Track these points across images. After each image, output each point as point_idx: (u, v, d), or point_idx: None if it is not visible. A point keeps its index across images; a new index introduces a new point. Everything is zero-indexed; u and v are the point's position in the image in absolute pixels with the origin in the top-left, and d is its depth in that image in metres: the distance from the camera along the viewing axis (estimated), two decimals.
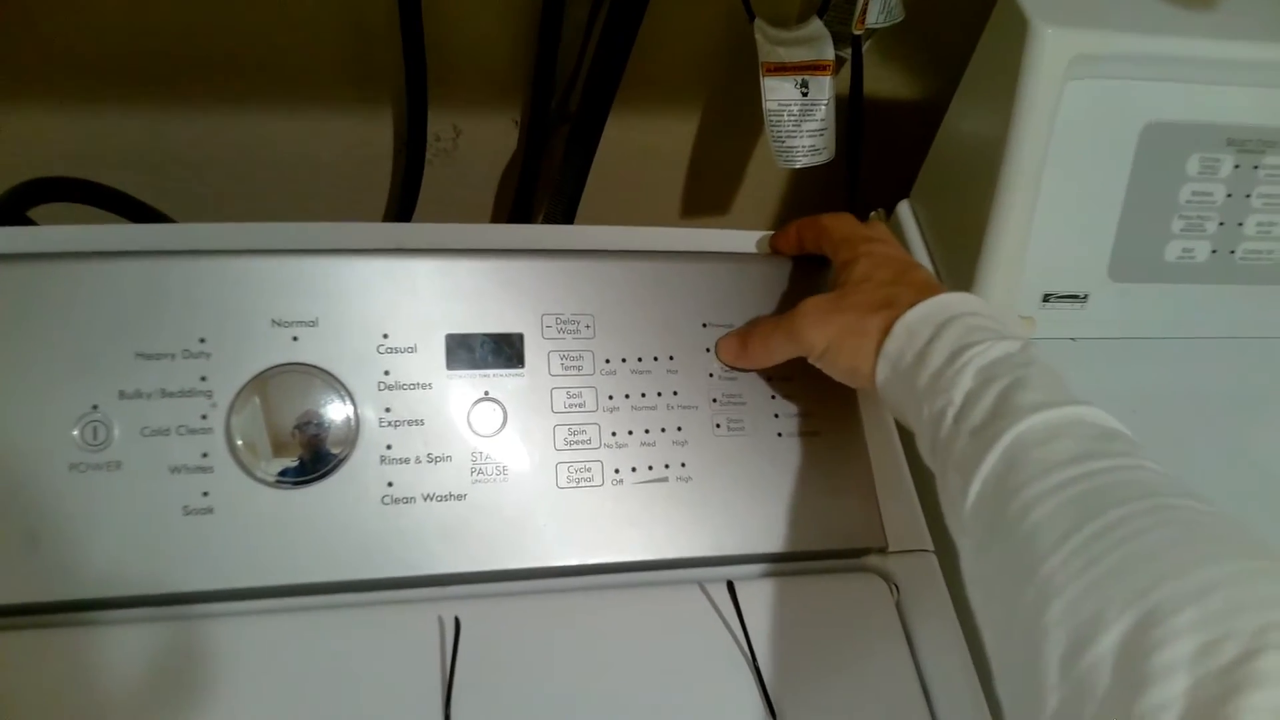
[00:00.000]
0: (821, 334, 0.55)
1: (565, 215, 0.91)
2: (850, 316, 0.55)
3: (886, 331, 0.53)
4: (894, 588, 0.58)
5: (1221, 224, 0.73)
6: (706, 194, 1.03)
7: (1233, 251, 0.74)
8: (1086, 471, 0.42)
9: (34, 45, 0.79)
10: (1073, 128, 0.68)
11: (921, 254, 0.79)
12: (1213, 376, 0.74)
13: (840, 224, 0.62)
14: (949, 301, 0.53)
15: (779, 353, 0.58)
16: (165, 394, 0.53)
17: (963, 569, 0.48)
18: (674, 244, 0.64)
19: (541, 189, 0.95)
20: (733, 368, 0.60)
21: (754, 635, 0.54)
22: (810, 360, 0.57)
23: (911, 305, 0.52)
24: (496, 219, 1.01)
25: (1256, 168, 0.72)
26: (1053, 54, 0.66)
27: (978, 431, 0.46)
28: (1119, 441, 0.45)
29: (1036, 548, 0.40)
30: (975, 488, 0.45)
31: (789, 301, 0.62)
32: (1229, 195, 0.73)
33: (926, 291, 0.54)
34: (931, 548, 0.60)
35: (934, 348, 0.50)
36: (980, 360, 0.48)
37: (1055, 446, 0.44)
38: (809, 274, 0.64)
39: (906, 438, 0.63)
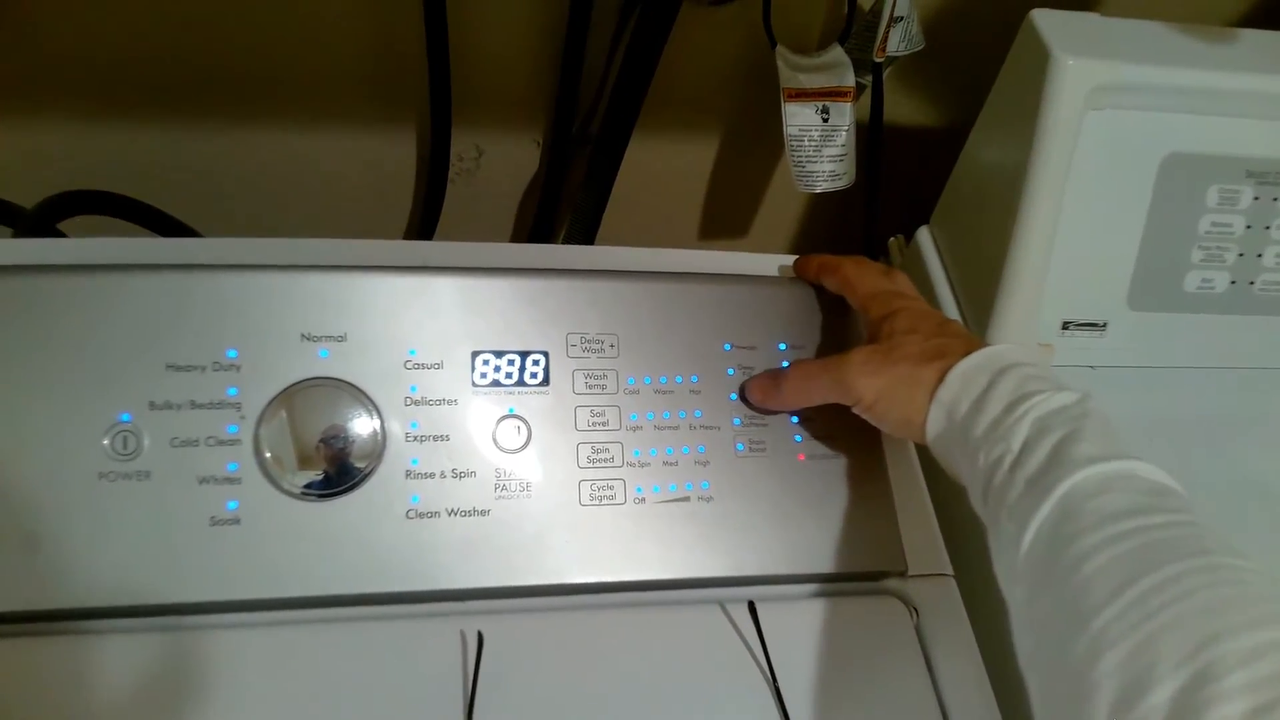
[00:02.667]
0: (872, 385, 0.55)
1: (585, 236, 0.92)
2: (903, 368, 0.55)
3: (940, 381, 0.53)
4: (913, 611, 0.58)
5: (1241, 255, 0.74)
6: (725, 217, 1.04)
7: (1252, 282, 0.74)
8: (1141, 526, 0.42)
9: (63, 61, 0.80)
10: (1093, 157, 0.69)
11: (941, 280, 0.80)
12: (1231, 406, 0.75)
13: (864, 276, 0.62)
14: (1003, 352, 0.53)
15: (817, 397, 0.59)
16: (195, 405, 0.53)
17: (1012, 615, 0.48)
18: (697, 266, 0.65)
19: (562, 209, 0.96)
20: (760, 409, 0.60)
21: (774, 656, 0.54)
22: (856, 410, 0.57)
23: (964, 355, 0.53)
24: (516, 238, 1.02)
25: (1276, 200, 0.73)
26: (1073, 84, 0.67)
27: (1033, 481, 0.47)
28: (1171, 498, 0.45)
29: (1091, 599, 0.41)
30: (1029, 536, 0.45)
31: (811, 327, 0.63)
32: (1248, 227, 0.73)
33: (973, 343, 0.55)
34: (951, 572, 0.60)
35: (991, 396, 0.51)
36: (1038, 410, 0.49)
37: (1110, 499, 0.44)
38: (832, 298, 0.64)
39: (926, 461, 0.64)
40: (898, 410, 0.55)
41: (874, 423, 0.57)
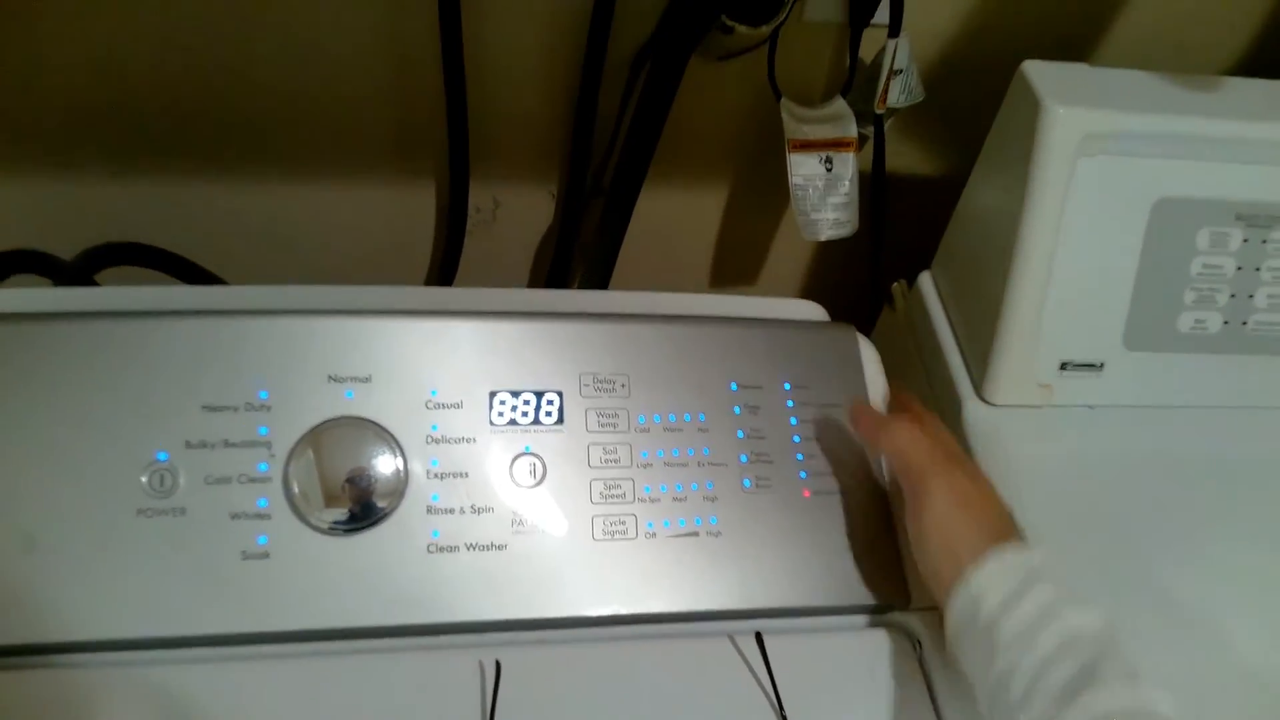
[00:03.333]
0: (943, 514, 0.56)
1: (599, 284, 0.95)
2: (967, 517, 0.56)
3: (975, 566, 0.53)
4: (916, 643, 0.60)
5: (1233, 296, 0.76)
6: (735, 265, 1.07)
7: (1244, 323, 0.76)
8: None
9: (97, 117, 0.84)
10: (1085, 202, 0.72)
11: (942, 323, 0.82)
12: (1227, 445, 0.76)
13: (916, 449, 0.59)
14: (1039, 557, 0.54)
15: (894, 468, 0.60)
16: (228, 444, 0.56)
17: None
18: (705, 309, 0.67)
19: (576, 259, 0.99)
20: (852, 423, 0.63)
21: (781, 686, 0.56)
22: (908, 518, 0.58)
23: (1009, 546, 0.54)
24: (533, 287, 1.05)
25: (1265, 242, 0.75)
26: (1064, 132, 0.69)
27: (1057, 700, 0.48)
28: None
29: None
30: None
31: (815, 366, 0.65)
32: (1239, 268, 0.75)
33: (1015, 535, 0.55)
34: None
35: (1022, 601, 0.51)
36: (1065, 630, 0.50)
37: None
38: (837, 340, 0.67)
39: None
40: (939, 551, 0.56)
41: (909, 536, 0.58)
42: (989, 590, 0.52)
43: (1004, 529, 0.55)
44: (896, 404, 0.66)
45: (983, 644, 0.52)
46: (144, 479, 0.55)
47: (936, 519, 0.56)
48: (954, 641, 0.55)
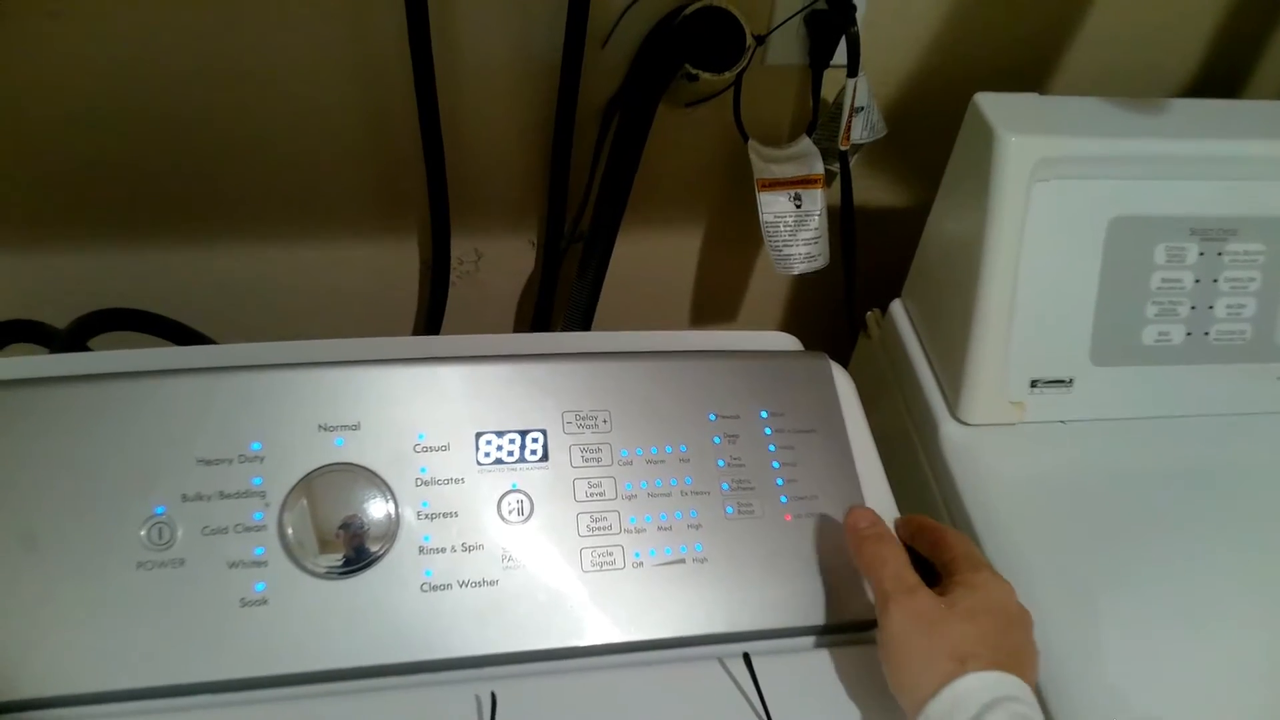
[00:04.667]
0: (899, 634, 0.57)
1: (581, 327, 0.97)
2: (929, 643, 0.56)
3: (942, 684, 0.53)
4: None
5: (1193, 308, 0.78)
6: (713, 302, 1.10)
7: (1206, 333, 0.79)
8: None
9: (84, 191, 0.86)
10: (1043, 225, 0.74)
11: (915, 348, 0.84)
12: (1197, 453, 0.78)
13: (964, 543, 0.62)
14: (1002, 682, 0.54)
15: (871, 580, 0.60)
16: (223, 495, 0.58)
17: None
18: (682, 345, 0.69)
19: (559, 304, 1.02)
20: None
21: (770, 706, 0.57)
22: (876, 631, 0.59)
23: (976, 671, 0.54)
24: (518, 332, 1.07)
25: (1220, 254, 0.78)
26: (1017, 160, 0.72)
27: None
28: None
29: None
30: None
31: (790, 396, 0.67)
32: (1197, 281, 0.78)
33: (1001, 662, 0.55)
34: None
35: None
36: None
37: None
38: (811, 368, 0.69)
39: (904, 506, 0.68)
40: (896, 670, 0.56)
41: (879, 653, 0.58)
42: (946, 718, 0.53)
43: (965, 656, 0.55)
44: (910, 525, 0.66)
45: None
46: (143, 533, 0.57)
47: (895, 640, 0.57)
48: None
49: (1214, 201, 0.77)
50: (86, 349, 0.80)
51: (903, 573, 0.59)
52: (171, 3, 0.76)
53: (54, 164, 0.84)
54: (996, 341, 0.76)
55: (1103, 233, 0.76)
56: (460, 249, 0.98)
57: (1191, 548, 0.72)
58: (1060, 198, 0.74)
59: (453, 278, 0.98)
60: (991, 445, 0.77)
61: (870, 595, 0.62)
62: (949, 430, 0.78)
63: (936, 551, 0.62)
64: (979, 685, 0.53)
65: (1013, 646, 0.57)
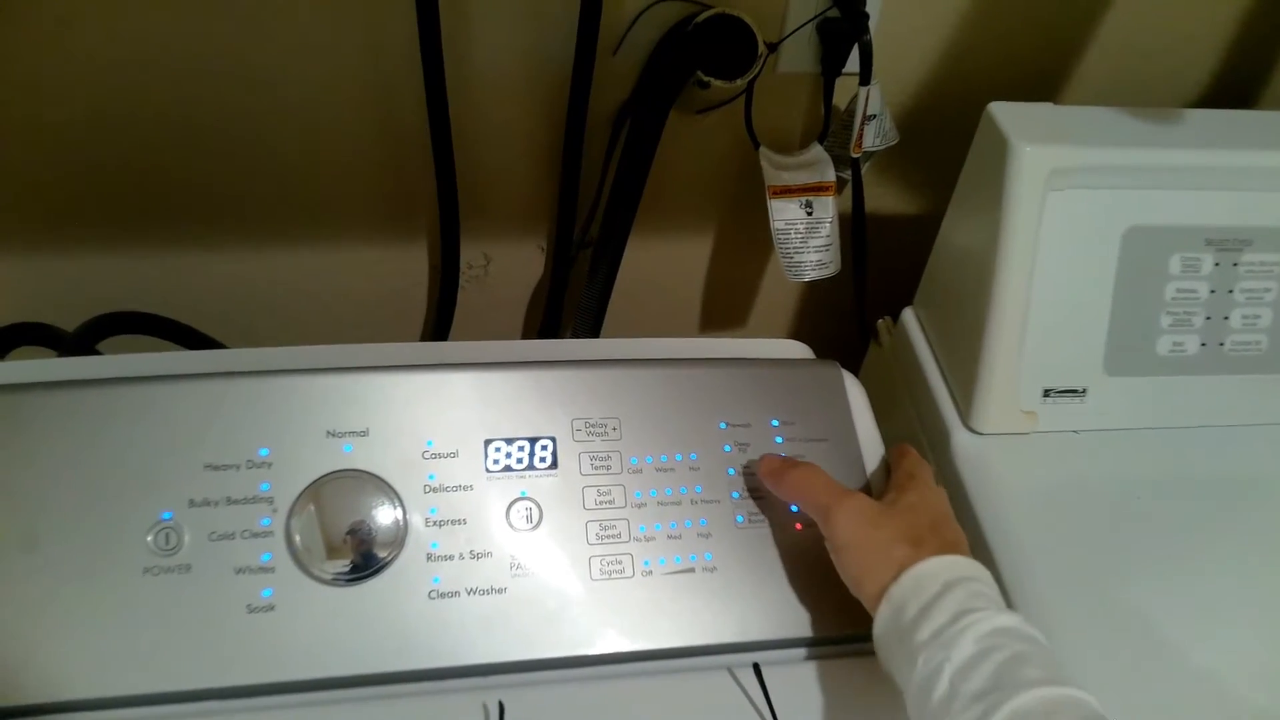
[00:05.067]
0: (850, 535, 0.58)
1: (591, 334, 0.97)
2: (880, 533, 0.58)
3: (902, 568, 0.55)
4: None
5: (1208, 318, 0.78)
6: (723, 309, 1.09)
7: (1221, 344, 0.78)
8: None
9: (92, 192, 0.86)
10: (1057, 234, 0.74)
11: (927, 356, 0.84)
12: (1211, 464, 0.77)
13: (920, 464, 0.65)
14: (958, 563, 0.56)
15: (806, 507, 0.62)
16: (231, 501, 0.58)
17: None
18: (692, 352, 0.69)
19: (568, 309, 1.01)
20: (760, 485, 0.64)
21: (780, 716, 0.57)
22: (827, 546, 0.60)
23: (929, 556, 0.56)
24: (526, 338, 1.07)
25: (1236, 264, 0.77)
26: (1031, 169, 0.72)
27: (979, 697, 0.49)
28: None
29: None
30: None
31: (800, 404, 0.67)
32: (1212, 291, 0.77)
33: (948, 549, 0.57)
34: None
35: (938, 604, 0.53)
36: (982, 627, 0.51)
37: None
38: (822, 377, 0.68)
39: None
40: (855, 570, 0.58)
41: (833, 561, 0.60)
42: (910, 599, 0.54)
43: (919, 539, 0.57)
44: (896, 454, 0.67)
45: (904, 651, 0.53)
46: (149, 538, 0.56)
47: (847, 542, 0.58)
48: (880, 651, 0.57)
49: (1229, 212, 0.76)
50: (95, 352, 0.80)
51: (831, 484, 0.61)
52: (183, 7, 0.76)
53: (64, 167, 0.84)
54: (1009, 350, 0.75)
55: (1117, 243, 0.75)
56: (469, 254, 0.97)
57: (1204, 558, 0.71)
58: (1075, 207, 0.74)
59: (461, 282, 0.98)
60: (1003, 455, 0.76)
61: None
62: (960, 439, 0.77)
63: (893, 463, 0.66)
64: (938, 567, 0.55)
65: (955, 537, 0.59)
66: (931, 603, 0.53)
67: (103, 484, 0.57)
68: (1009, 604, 0.62)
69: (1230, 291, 0.78)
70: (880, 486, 0.67)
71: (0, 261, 0.89)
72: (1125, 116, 0.77)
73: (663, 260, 1.02)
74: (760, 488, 0.64)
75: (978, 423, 0.77)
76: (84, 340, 0.79)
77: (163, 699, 0.55)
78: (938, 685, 0.50)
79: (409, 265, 0.99)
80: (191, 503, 0.58)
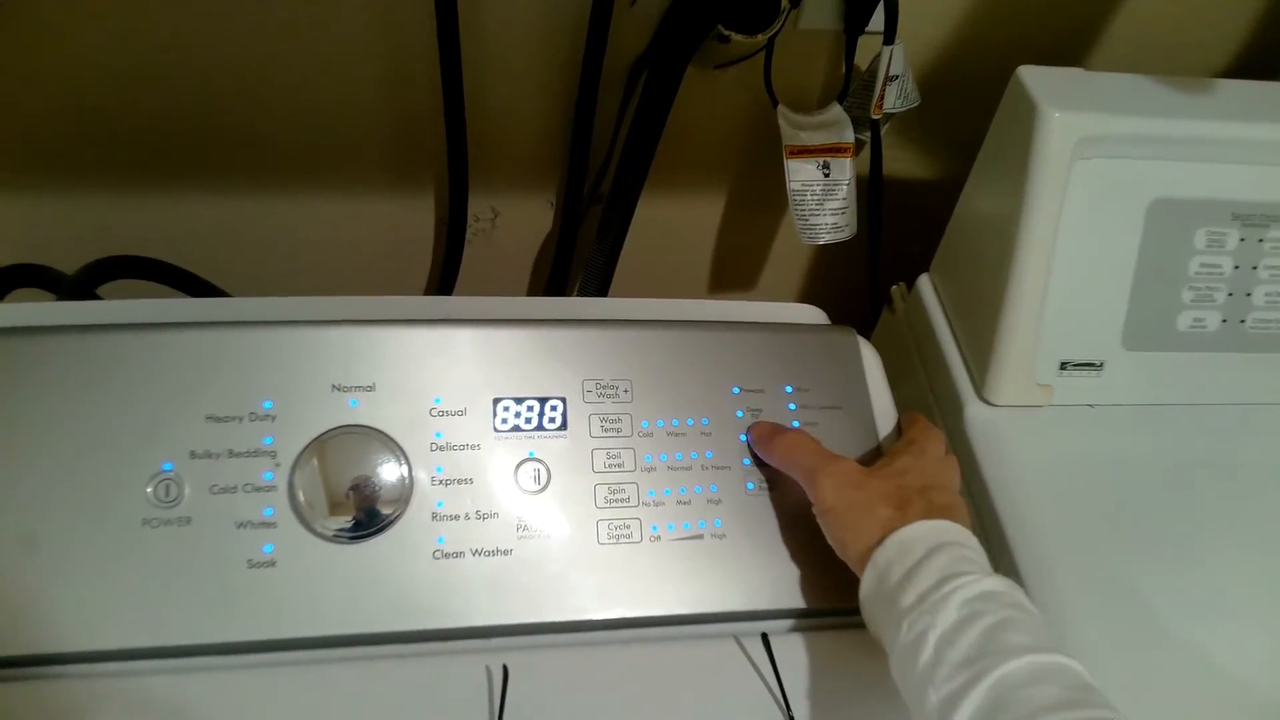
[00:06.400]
0: (834, 497, 0.58)
1: (598, 292, 0.95)
2: (865, 495, 0.57)
3: (886, 531, 0.55)
4: None
5: (1230, 295, 0.76)
6: (734, 270, 1.08)
7: (1243, 321, 0.77)
8: (1074, 719, 0.44)
9: (96, 133, 0.85)
10: (1082, 204, 0.72)
11: (942, 325, 0.83)
12: (1227, 443, 0.76)
13: (927, 432, 0.64)
14: (944, 528, 0.55)
15: (794, 473, 0.61)
16: (233, 454, 0.56)
17: None
18: (706, 315, 0.68)
19: (575, 266, 1.00)
20: (751, 449, 0.63)
21: (787, 686, 0.56)
22: (815, 512, 0.59)
23: (916, 519, 0.55)
24: (532, 295, 1.05)
25: (1262, 240, 0.76)
26: (1060, 136, 0.70)
27: (965, 664, 0.48)
28: (1096, 694, 0.47)
29: None
30: (962, 717, 0.46)
31: (815, 371, 0.66)
32: (1236, 267, 0.76)
33: (933, 512, 0.56)
34: None
35: (923, 569, 0.52)
36: (967, 592, 0.50)
37: (1042, 690, 0.46)
38: (838, 343, 0.67)
39: None
40: (839, 531, 0.57)
41: (820, 524, 0.59)
42: (894, 563, 0.53)
43: (906, 500, 0.56)
44: (906, 421, 0.67)
45: (889, 616, 0.53)
46: (149, 489, 0.55)
47: (832, 504, 0.58)
48: (866, 614, 0.56)
49: (1258, 187, 0.75)
50: (95, 297, 0.79)
51: (819, 449, 0.60)
52: None
53: (66, 108, 0.82)
54: (1028, 322, 0.74)
55: (1142, 214, 0.74)
56: (477, 206, 0.96)
57: (1216, 538, 0.70)
58: (1101, 177, 0.72)
59: (468, 235, 0.97)
60: (1017, 427, 0.75)
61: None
62: (974, 411, 0.76)
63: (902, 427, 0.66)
64: (922, 531, 0.54)
65: (947, 501, 0.58)
66: (915, 567, 0.53)
67: (102, 433, 0.56)
68: (1020, 583, 0.61)
69: (1254, 268, 0.76)
70: None
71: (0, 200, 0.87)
72: (1155, 85, 0.75)
73: (674, 219, 1.01)
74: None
75: (992, 394, 0.75)
76: (84, 284, 0.77)
77: (159, 653, 0.54)
78: (923, 651, 0.49)
79: (416, 216, 0.97)
80: (193, 454, 0.56)
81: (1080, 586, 0.65)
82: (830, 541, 0.59)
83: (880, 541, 0.55)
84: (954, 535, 0.55)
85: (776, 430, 0.63)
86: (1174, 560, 0.68)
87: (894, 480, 0.58)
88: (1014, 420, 0.75)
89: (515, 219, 0.99)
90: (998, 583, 0.51)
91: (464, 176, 0.90)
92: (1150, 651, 0.64)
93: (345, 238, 0.98)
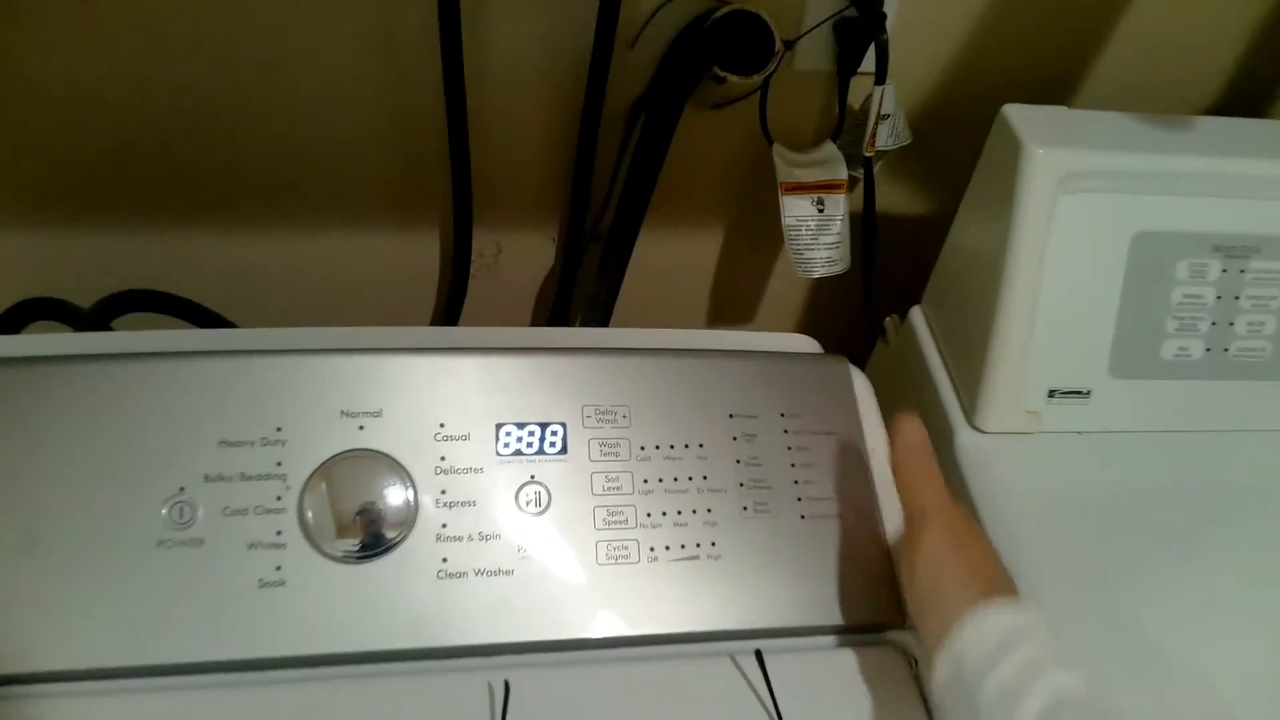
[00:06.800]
0: (937, 543, 0.57)
1: (600, 325, 0.98)
2: (962, 563, 0.56)
3: (958, 623, 0.53)
4: (911, 660, 0.62)
5: (1214, 324, 0.78)
6: (732, 304, 1.10)
7: (1226, 349, 0.79)
8: None
9: (109, 173, 0.87)
10: (1067, 237, 0.74)
11: (933, 354, 0.85)
12: (1213, 468, 0.78)
13: (926, 488, 0.61)
14: (1022, 614, 0.53)
15: (902, 494, 0.61)
16: (245, 477, 0.59)
17: None
18: (701, 343, 0.70)
19: (577, 301, 1.02)
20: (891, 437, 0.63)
21: (781, 703, 0.58)
22: (905, 544, 0.59)
23: (1000, 599, 0.53)
24: (540, 327, 1.08)
25: (1243, 271, 0.78)
26: (1044, 172, 0.72)
27: None
28: None
29: None
30: None
31: (806, 397, 0.68)
32: (1219, 297, 0.78)
33: (1009, 590, 0.55)
34: None
35: (1003, 660, 0.51)
36: (1050, 693, 0.49)
37: None
38: (829, 371, 0.69)
39: None
40: (929, 590, 0.56)
41: (904, 581, 0.59)
42: (971, 648, 0.52)
43: (992, 578, 0.55)
44: (895, 426, 0.65)
45: (965, 704, 0.51)
46: (164, 511, 0.57)
47: (928, 558, 0.57)
48: (938, 698, 0.55)
49: (1238, 220, 0.77)
50: (110, 330, 0.81)
51: (942, 491, 0.59)
52: None
53: (80, 147, 0.85)
54: (1015, 350, 0.76)
55: (1125, 247, 0.76)
56: (481, 242, 0.98)
57: (1205, 563, 0.71)
58: (1085, 211, 0.74)
59: (472, 271, 0.99)
60: (1007, 454, 0.77)
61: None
62: (965, 438, 0.78)
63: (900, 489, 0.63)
64: (1008, 617, 0.52)
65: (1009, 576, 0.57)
66: (994, 658, 0.51)
67: (119, 457, 0.58)
68: None
69: (1236, 298, 0.78)
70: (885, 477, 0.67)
71: (17, 238, 0.90)
72: (1138, 122, 0.78)
73: (673, 254, 1.03)
74: (767, 478, 0.65)
75: (982, 421, 0.77)
76: (99, 317, 0.80)
77: (171, 670, 0.56)
78: None
79: (420, 252, 1.00)
80: (206, 478, 0.58)
81: (1073, 611, 0.66)
82: (905, 589, 0.59)
83: (960, 621, 0.53)
84: (1034, 622, 0.53)
85: (917, 452, 0.61)
86: (1162, 585, 0.70)
87: (985, 551, 0.57)
88: (1004, 447, 0.77)
89: (518, 255, 1.02)
90: (1074, 679, 0.50)
91: (468, 214, 0.92)
92: (1146, 678, 0.65)
93: (352, 273, 1.00)
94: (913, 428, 0.62)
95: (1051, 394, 0.78)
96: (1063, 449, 0.77)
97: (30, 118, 0.82)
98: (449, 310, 1.01)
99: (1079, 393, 0.78)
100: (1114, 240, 0.76)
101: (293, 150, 0.89)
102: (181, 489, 0.58)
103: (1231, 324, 0.79)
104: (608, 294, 0.96)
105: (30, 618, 0.55)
